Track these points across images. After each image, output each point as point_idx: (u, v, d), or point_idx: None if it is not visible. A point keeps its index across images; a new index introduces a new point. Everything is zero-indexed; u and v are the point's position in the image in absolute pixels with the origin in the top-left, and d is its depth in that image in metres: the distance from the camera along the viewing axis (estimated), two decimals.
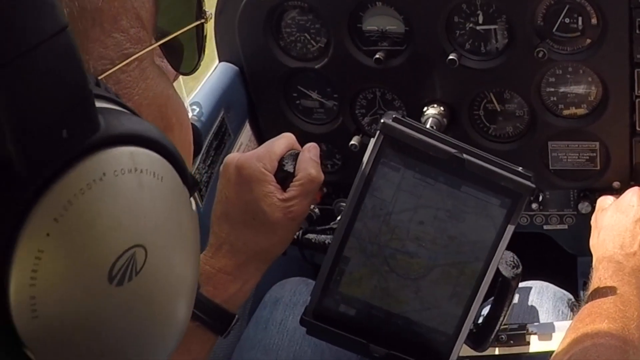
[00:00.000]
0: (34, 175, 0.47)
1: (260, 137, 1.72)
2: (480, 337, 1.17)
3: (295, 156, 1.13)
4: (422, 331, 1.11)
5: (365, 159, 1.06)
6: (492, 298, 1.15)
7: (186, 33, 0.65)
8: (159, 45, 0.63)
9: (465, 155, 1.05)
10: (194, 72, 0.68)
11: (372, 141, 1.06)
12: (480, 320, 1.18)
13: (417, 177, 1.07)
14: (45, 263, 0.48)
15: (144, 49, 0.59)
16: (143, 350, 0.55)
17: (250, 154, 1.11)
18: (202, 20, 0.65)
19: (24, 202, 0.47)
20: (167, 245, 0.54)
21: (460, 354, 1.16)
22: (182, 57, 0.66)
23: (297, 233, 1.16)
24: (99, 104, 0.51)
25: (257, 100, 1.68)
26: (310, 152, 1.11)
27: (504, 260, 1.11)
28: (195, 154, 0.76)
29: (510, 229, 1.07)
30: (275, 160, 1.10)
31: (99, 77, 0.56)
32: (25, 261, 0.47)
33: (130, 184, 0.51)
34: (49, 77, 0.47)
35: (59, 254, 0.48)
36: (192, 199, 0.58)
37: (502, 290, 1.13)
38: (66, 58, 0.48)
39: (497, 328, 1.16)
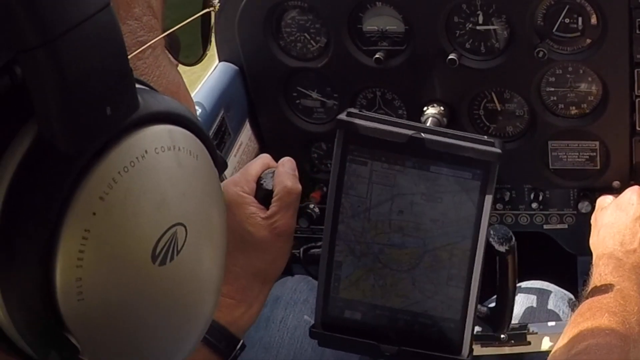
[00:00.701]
0: (79, 153, 0.47)
1: (260, 137, 1.72)
2: (496, 319, 1.15)
3: (272, 174, 1.14)
4: (429, 322, 1.10)
5: (333, 160, 1.07)
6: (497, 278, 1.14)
7: (191, 23, 0.65)
8: (166, 37, 0.63)
9: (423, 134, 1.05)
10: (200, 62, 0.68)
11: (336, 141, 1.07)
12: (493, 305, 1.17)
13: (385, 166, 1.07)
14: (91, 243, 0.47)
15: (156, 36, 0.60)
16: (180, 332, 0.55)
17: (227, 180, 1.13)
18: (211, 9, 0.65)
19: (70, 181, 0.47)
20: (205, 224, 0.55)
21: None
22: (180, 47, 0.66)
23: (298, 251, 1.17)
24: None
25: (257, 99, 1.68)
26: (285, 165, 1.12)
27: (496, 235, 1.10)
28: None
29: (488, 200, 1.06)
30: (252, 181, 1.12)
31: None
32: (72, 241, 0.47)
33: (170, 161, 0.51)
34: (94, 54, 0.46)
35: (105, 233, 0.48)
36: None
37: (501, 266, 1.12)
38: (109, 35, 0.48)
39: (510, 306, 1.14)
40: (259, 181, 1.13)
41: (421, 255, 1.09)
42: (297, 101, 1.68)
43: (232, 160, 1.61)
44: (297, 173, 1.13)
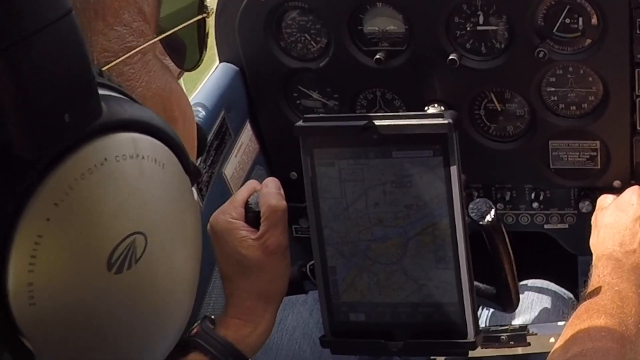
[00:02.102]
0: (35, 159, 0.47)
1: (261, 137, 1.72)
2: (503, 297, 1.15)
3: (259, 196, 1.17)
4: (430, 310, 1.10)
5: (303, 168, 1.10)
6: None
7: (187, 29, 0.65)
8: (162, 43, 0.63)
9: (375, 122, 1.06)
10: (196, 68, 0.68)
11: (301, 150, 1.09)
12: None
13: (351, 162, 1.08)
14: (44, 248, 0.47)
15: (146, 42, 0.60)
16: (141, 341, 0.54)
17: (216, 211, 1.17)
18: (204, 15, 0.66)
19: (25, 186, 0.47)
20: (168, 233, 0.54)
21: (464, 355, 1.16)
22: (185, 54, 0.66)
23: (304, 268, 1.18)
24: (101, 91, 0.51)
25: (258, 100, 1.68)
26: (268, 186, 1.16)
27: (476, 209, 1.10)
28: (200, 153, 0.77)
29: (454, 172, 1.06)
30: (240, 206, 1.15)
31: (104, 68, 0.57)
32: (24, 246, 0.47)
33: (131, 169, 0.51)
34: (52, 61, 0.46)
35: (59, 239, 0.48)
36: (193, 188, 0.58)
37: (489, 239, 1.12)
38: (70, 43, 0.47)
39: (511, 280, 1.13)
40: (246, 205, 1.16)
41: (405, 244, 1.09)
42: (298, 101, 1.68)
43: (232, 161, 1.61)
44: (281, 191, 1.16)
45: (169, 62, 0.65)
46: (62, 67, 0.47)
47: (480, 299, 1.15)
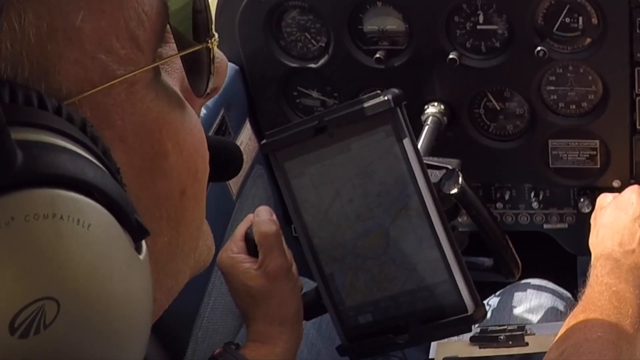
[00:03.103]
0: None
1: (261, 136, 1.72)
2: (501, 266, 1.15)
3: None
4: (426, 294, 1.10)
5: (280, 185, 1.13)
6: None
7: (195, 55, 0.59)
8: (183, 62, 0.59)
9: (324, 118, 1.08)
10: (204, 95, 0.62)
11: (273, 167, 1.13)
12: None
13: (318, 166, 1.10)
14: None
15: (135, 70, 0.54)
16: None
17: (220, 251, 1.20)
18: (208, 43, 0.59)
19: None
20: (91, 297, 0.49)
21: (462, 355, 1.16)
22: (205, 77, 0.60)
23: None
24: (32, 136, 0.47)
25: (257, 99, 1.69)
26: (259, 215, 1.19)
27: (445, 181, 1.11)
28: (232, 175, 0.74)
29: (408, 146, 1.06)
30: (240, 240, 1.19)
31: (72, 100, 0.52)
32: None
33: (44, 231, 0.46)
34: None
35: None
36: (143, 243, 0.53)
37: (466, 208, 1.12)
38: None
39: (503, 245, 1.14)
40: (246, 237, 1.19)
41: (386, 232, 1.10)
42: (298, 100, 1.68)
43: None
44: (273, 216, 1.18)
45: (185, 88, 0.60)
46: None
47: (480, 273, 1.15)
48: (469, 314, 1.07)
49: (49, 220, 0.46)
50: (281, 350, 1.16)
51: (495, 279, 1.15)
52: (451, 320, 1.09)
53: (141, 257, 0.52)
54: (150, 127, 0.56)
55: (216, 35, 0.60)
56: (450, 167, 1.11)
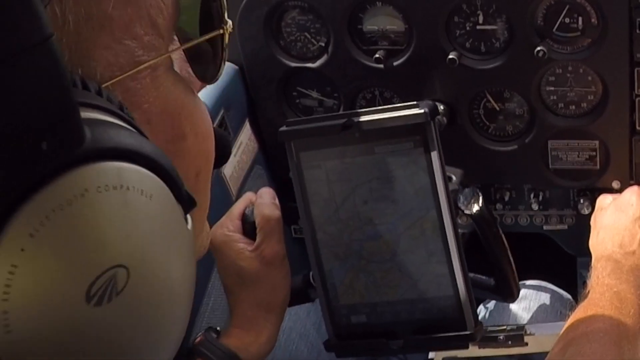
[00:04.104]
0: (9, 189, 0.45)
1: (260, 136, 1.72)
2: (502, 287, 1.14)
3: (254, 207, 1.18)
4: (428, 305, 1.10)
5: (292, 174, 1.11)
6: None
7: (209, 41, 0.63)
8: (185, 53, 0.62)
9: (354, 119, 1.07)
10: (216, 80, 0.66)
11: (288, 155, 1.10)
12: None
13: (336, 162, 1.09)
14: (18, 278, 0.46)
15: (157, 56, 0.58)
16: None
17: (214, 226, 1.17)
18: (221, 31, 0.63)
19: None
20: (154, 265, 0.52)
21: (461, 356, 1.16)
22: (208, 65, 0.64)
23: (308, 277, 1.18)
24: (92, 115, 0.50)
25: (257, 99, 1.69)
26: (262, 197, 1.17)
27: (463, 199, 1.10)
28: (222, 163, 0.76)
29: (436, 163, 1.05)
30: (236, 219, 1.16)
31: (106, 84, 0.55)
32: None
33: (114, 201, 0.49)
34: (27, 88, 0.45)
35: (33, 270, 0.46)
36: (188, 216, 0.56)
37: (480, 228, 1.12)
38: (47, 70, 0.46)
39: (507, 268, 1.13)
40: (243, 217, 1.17)
41: (396, 240, 1.09)
42: (297, 101, 1.68)
43: (232, 160, 1.61)
44: (276, 201, 1.16)
45: (185, 74, 0.63)
46: (38, 94, 0.45)
47: (480, 291, 1.15)
48: (469, 332, 1.08)
49: (118, 191, 0.49)
50: (265, 339, 1.14)
51: (493, 298, 1.14)
52: (451, 335, 1.09)
53: (189, 227, 0.55)
54: (171, 111, 0.60)
55: (230, 22, 0.63)
56: (453, 176, 1.10)
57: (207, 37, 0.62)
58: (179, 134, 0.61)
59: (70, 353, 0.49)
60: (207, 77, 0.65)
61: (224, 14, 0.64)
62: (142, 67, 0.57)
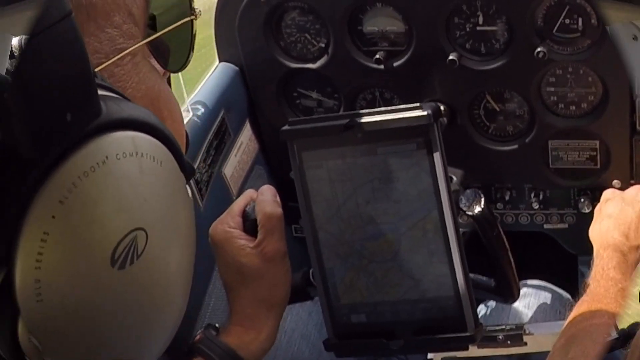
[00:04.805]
0: (39, 158, 0.48)
1: (260, 137, 1.73)
2: (502, 288, 1.14)
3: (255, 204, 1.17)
4: (428, 306, 1.10)
5: (293, 173, 1.10)
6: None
7: (176, 31, 0.66)
8: (147, 45, 0.65)
9: (357, 119, 1.07)
10: (183, 69, 0.70)
11: (290, 154, 1.10)
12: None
13: (339, 162, 1.09)
14: (50, 246, 0.48)
15: (136, 44, 0.61)
16: (141, 334, 0.56)
17: (214, 222, 1.17)
18: (192, 17, 0.68)
19: (30, 185, 0.48)
20: (166, 228, 0.55)
21: (460, 356, 1.16)
22: (168, 56, 0.67)
23: (307, 275, 1.18)
24: (99, 91, 0.52)
25: (257, 100, 1.69)
26: (264, 194, 1.16)
27: (465, 200, 1.10)
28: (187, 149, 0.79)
29: (438, 163, 1.06)
30: (237, 215, 1.16)
31: (96, 69, 0.58)
32: (31, 244, 0.48)
33: (131, 167, 0.52)
34: (53, 62, 0.47)
35: (64, 236, 0.49)
36: (187, 186, 0.60)
37: (481, 229, 1.12)
38: (70, 43, 0.48)
39: (508, 269, 1.13)
40: (244, 213, 1.16)
41: (398, 240, 1.09)
42: (297, 101, 1.69)
43: (232, 160, 1.62)
44: (277, 198, 1.16)
45: (155, 63, 0.66)
46: (63, 67, 0.48)
47: (480, 292, 1.15)
48: (470, 334, 1.08)
49: (134, 158, 0.52)
50: (265, 337, 1.14)
51: (493, 299, 1.14)
52: (451, 337, 1.09)
53: (190, 194, 0.59)
54: (151, 95, 0.63)
55: (199, 10, 0.66)
56: (454, 177, 1.11)
57: (178, 23, 0.66)
58: (159, 117, 0.64)
59: (95, 317, 0.51)
60: (174, 65, 0.69)
61: (192, 2, 0.68)
62: (123, 53, 0.60)
